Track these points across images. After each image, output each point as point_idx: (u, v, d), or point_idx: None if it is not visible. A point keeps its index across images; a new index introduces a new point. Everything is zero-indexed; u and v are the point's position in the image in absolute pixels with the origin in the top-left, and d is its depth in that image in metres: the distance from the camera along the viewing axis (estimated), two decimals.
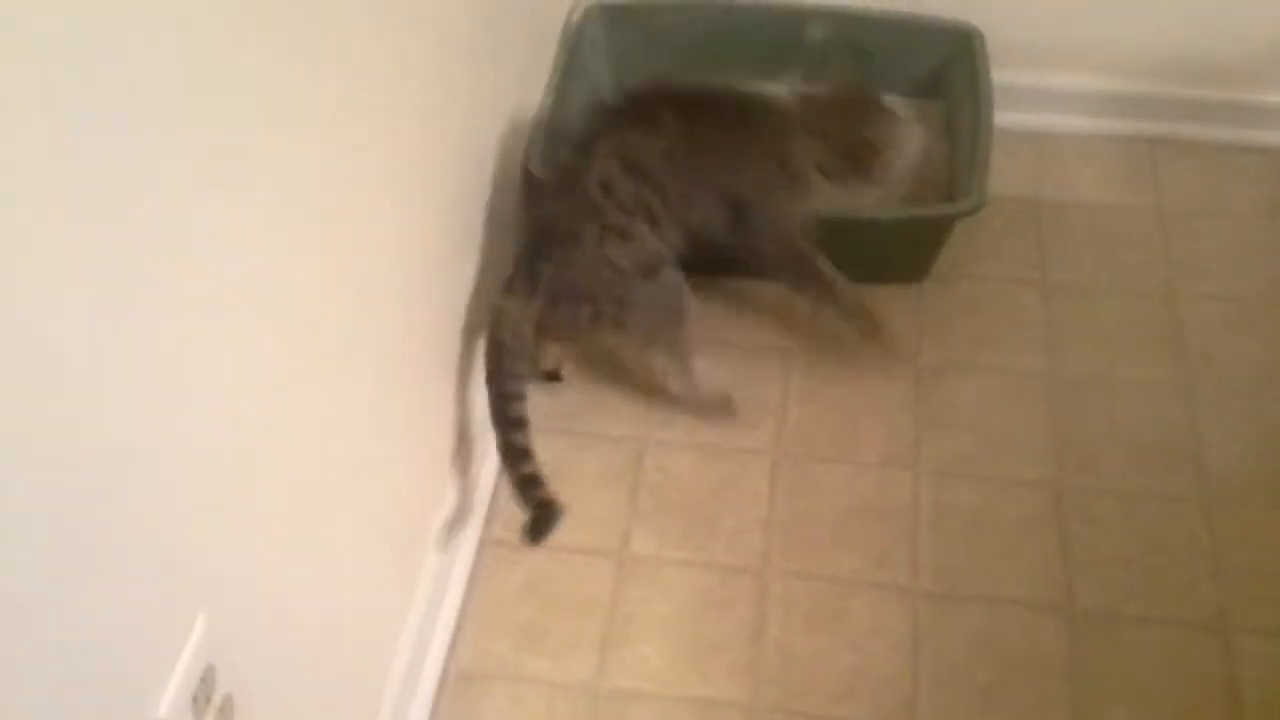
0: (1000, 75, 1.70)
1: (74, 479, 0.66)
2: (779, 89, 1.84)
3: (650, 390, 1.57)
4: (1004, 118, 1.76)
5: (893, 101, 1.77)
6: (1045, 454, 1.50)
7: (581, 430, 1.55)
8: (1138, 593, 1.38)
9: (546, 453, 1.51)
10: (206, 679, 0.82)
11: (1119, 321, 1.63)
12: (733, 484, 1.50)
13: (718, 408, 1.55)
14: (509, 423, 1.36)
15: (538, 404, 1.56)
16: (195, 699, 0.81)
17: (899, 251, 1.66)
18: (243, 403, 0.86)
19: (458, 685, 1.33)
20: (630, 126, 1.43)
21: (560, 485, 1.49)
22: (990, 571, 1.40)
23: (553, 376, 1.60)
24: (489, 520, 1.47)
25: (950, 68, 1.75)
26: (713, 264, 1.55)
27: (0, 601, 0.61)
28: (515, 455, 1.35)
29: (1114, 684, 1.31)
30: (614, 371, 1.60)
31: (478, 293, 1.45)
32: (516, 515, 1.46)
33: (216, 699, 0.84)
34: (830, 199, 1.47)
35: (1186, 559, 1.40)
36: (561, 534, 1.45)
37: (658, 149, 1.41)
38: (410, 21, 1.16)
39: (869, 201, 1.53)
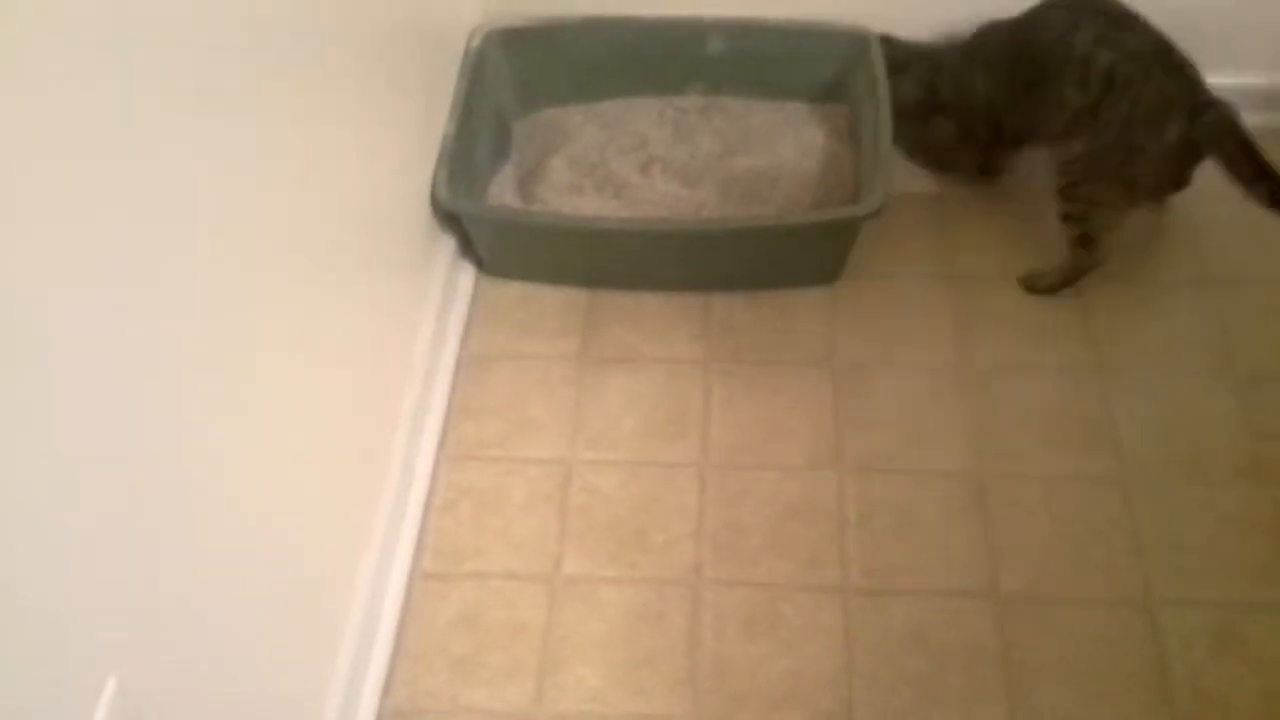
0: None
1: None
2: (685, 102, 1.87)
3: (576, 409, 1.58)
4: None
5: (795, 109, 1.81)
6: (964, 444, 1.52)
7: (507, 456, 1.55)
8: (1062, 574, 1.40)
9: (474, 482, 1.52)
10: None
11: (1026, 308, 1.66)
12: (661, 498, 1.50)
13: None
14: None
15: (462, 434, 1.56)
16: None
17: (809, 254, 1.68)
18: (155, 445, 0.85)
19: None
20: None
21: (488, 513, 1.49)
22: (918, 564, 1.42)
23: None
24: (417, 554, 1.45)
25: (850, 73, 1.78)
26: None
27: None
28: None
29: (1045, 666, 1.33)
30: (543, 391, 1.60)
31: (380, 331, 1.44)
32: (446, 546, 1.46)
33: None
34: None
35: (1108, 538, 1.43)
36: (492, 562, 1.45)
37: None
38: (304, 62, 1.15)
39: None
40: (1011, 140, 1.69)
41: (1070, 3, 1.54)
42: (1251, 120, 1.49)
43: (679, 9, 1.81)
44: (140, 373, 0.85)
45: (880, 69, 1.71)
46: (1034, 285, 1.67)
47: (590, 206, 1.75)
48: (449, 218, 1.66)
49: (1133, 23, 1.51)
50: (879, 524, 1.46)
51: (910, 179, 1.81)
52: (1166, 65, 1.48)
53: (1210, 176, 1.73)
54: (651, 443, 1.55)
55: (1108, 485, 1.47)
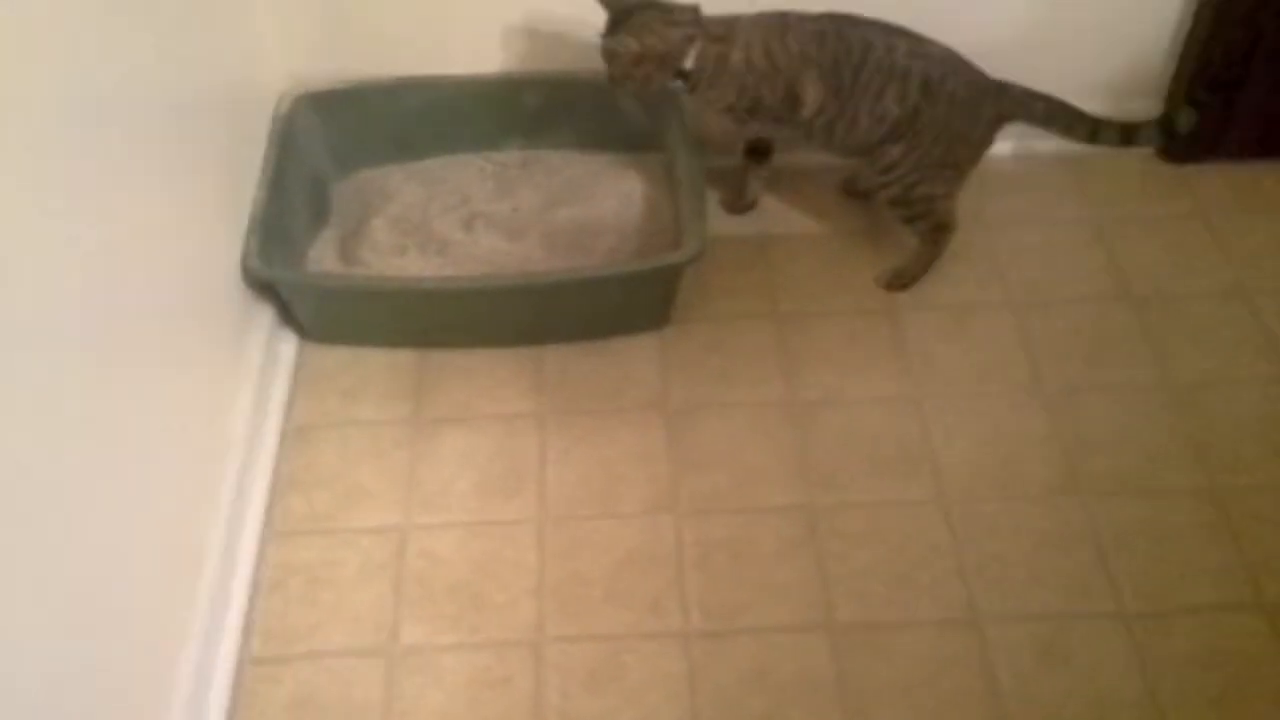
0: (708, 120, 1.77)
1: None
2: (505, 157, 1.87)
3: (408, 473, 1.55)
4: (721, 161, 1.84)
5: (613, 159, 1.83)
6: (794, 478, 1.55)
7: (340, 528, 1.51)
8: (891, 599, 1.43)
9: (304, 558, 1.47)
10: None
11: (845, 342, 1.70)
12: (499, 557, 1.48)
13: None
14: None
15: (289, 509, 1.51)
16: None
17: (636, 302, 1.69)
18: None
19: None
20: None
21: (320, 589, 1.45)
22: (755, 602, 1.43)
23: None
24: (245, 639, 1.40)
25: (663, 121, 1.81)
26: None
27: None
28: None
29: (881, 692, 1.35)
30: (373, 458, 1.56)
31: (194, 409, 1.40)
32: (276, 628, 1.41)
33: None
34: None
35: (931, 559, 1.47)
36: (325, 639, 1.40)
37: None
38: (95, 135, 1.11)
39: None
40: (806, 140, 1.70)
41: (869, 21, 1.60)
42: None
43: (490, 65, 1.81)
44: None
45: (690, 115, 1.74)
46: (901, 282, 1.76)
47: (414, 266, 1.73)
48: (264, 286, 1.62)
49: (919, 35, 1.60)
50: (716, 564, 1.47)
51: (733, 222, 1.85)
52: (961, 61, 1.60)
53: (1008, 203, 1.83)
54: (489, 501, 1.54)
55: (929, 507, 1.52)
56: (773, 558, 1.47)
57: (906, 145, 1.61)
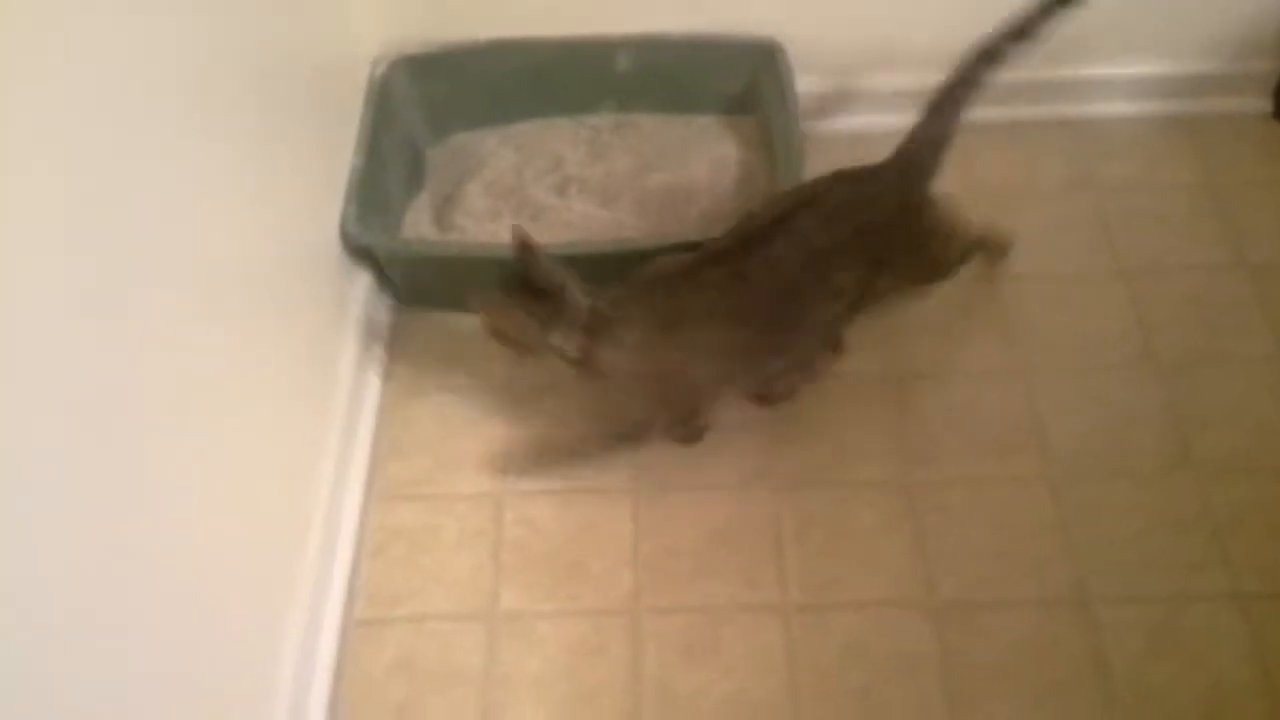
0: (807, 83, 1.73)
1: None
2: (598, 121, 1.85)
3: (505, 440, 1.55)
4: (818, 124, 1.80)
5: (707, 122, 1.79)
6: (893, 452, 1.52)
7: (436, 494, 1.52)
8: (996, 577, 1.40)
9: (405, 522, 1.49)
10: None
11: (948, 311, 1.66)
12: (595, 527, 1.48)
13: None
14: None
15: (390, 473, 1.53)
16: None
17: None
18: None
19: None
20: None
21: (421, 553, 1.46)
22: (853, 576, 1.41)
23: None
24: (350, 600, 1.42)
25: (758, 82, 1.77)
26: None
27: None
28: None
29: (983, 671, 1.33)
30: (469, 424, 1.57)
31: (297, 374, 1.41)
32: (380, 591, 1.43)
33: None
34: None
35: (1038, 538, 1.43)
36: (426, 603, 1.42)
37: None
38: (194, 104, 1.12)
39: None
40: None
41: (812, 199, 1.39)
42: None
43: (585, 28, 1.79)
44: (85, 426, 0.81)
45: (788, 76, 1.70)
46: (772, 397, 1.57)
47: (508, 232, 1.72)
48: (362, 252, 1.62)
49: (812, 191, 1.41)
50: (813, 538, 1.45)
51: None
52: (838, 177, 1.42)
53: (1117, 167, 1.74)
54: (584, 470, 1.53)
55: (1036, 485, 1.48)
56: (871, 532, 1.45)
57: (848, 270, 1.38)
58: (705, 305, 1.35)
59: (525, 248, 1.35)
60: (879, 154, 1.84)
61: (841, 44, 1.81)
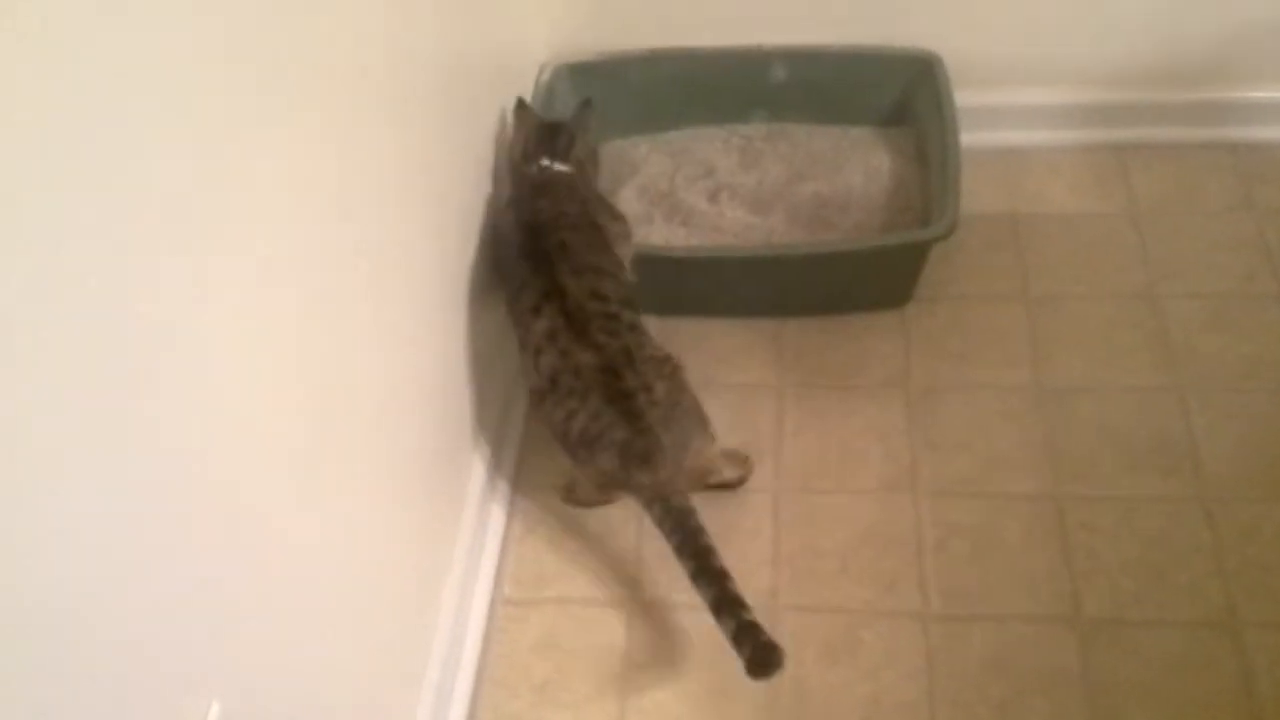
0: (964, 96, 1.73)
1: (82, 572, 0.68)
2: (750, 129, 1.89)
3: None
4: (973, 138, 1.80)
5: (860, 133, 1.80)
6: (1041, 466, 1.51)
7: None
8: (1144, 596, 1.38)
9: (551, 508, 1.54)
10: None
11: (1102, 328, 1.64)
12: (735, 524, 1.51)
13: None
14: (718, 575, 1.27)
15: (535, 464, 1.59)
16: None
17: (879, 279, 1.68)
18: (257, 490, 0.89)
19: None
20: None
21: (567, 538, 1.52)
22: (998, 589, 1.41)
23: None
24: (498, 580, 1.48)
25: (914, 94, 1.79)
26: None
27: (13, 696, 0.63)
28: (734, 604, 1.25)
29: (1129, 690, 1.31)
30: None
31: (476, 352, 1.48)
32: (527, 573, 1.49)
33: None
34: None
35: (1189, 558, 1.41)
36: (570, 587, 1.47)
37: None
38: (391, 107, 1.20)
39: None
40: None
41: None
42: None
43: (740, 38, 1.83)
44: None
45: (946, 88, 1.71)
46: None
47: (659, 235, 1.78)
48: None
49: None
50: (957, 548, 1.45)
51: (981, 200, 1.80)
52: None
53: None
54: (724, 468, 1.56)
55: (1189, 504, 1.45)
56: (1016, 546, 1.44)
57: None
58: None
59: None
60: (1031, 169, 1.85)
61: (998, 58, 1.81)
